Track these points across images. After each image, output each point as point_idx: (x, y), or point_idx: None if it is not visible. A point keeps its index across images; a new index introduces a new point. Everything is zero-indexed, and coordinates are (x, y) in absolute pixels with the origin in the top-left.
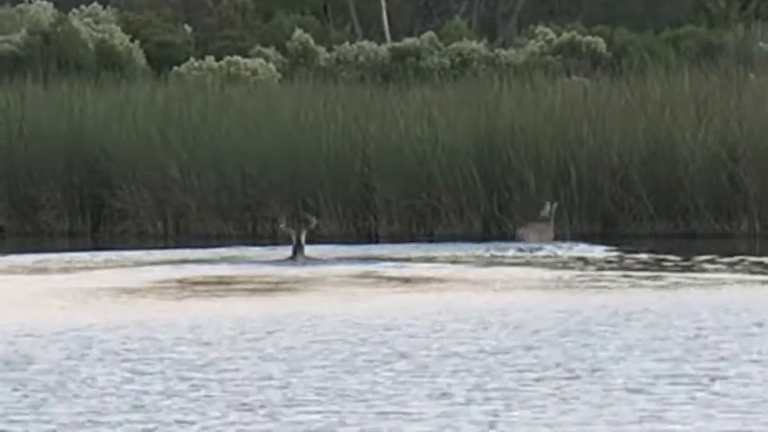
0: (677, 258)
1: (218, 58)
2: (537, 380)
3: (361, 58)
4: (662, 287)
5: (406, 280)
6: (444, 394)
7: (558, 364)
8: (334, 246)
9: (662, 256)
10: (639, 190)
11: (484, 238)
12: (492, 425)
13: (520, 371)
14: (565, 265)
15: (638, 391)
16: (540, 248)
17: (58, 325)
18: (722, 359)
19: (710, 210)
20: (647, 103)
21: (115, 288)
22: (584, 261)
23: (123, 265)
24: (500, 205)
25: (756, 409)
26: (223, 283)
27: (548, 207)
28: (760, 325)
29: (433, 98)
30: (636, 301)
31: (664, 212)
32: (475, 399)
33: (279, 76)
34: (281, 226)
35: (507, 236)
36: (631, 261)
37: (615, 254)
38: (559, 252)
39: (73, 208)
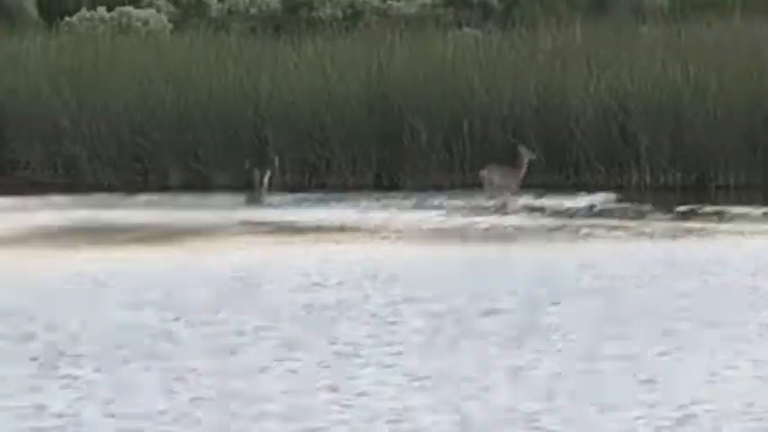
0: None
1: (109, 9)
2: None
3: (253, 10)
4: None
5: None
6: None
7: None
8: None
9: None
10: (531, 141)
11: (376, 189)
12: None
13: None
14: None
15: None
16: (500, 195)
17: None
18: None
19: (602, 162)
20: (538, 56)
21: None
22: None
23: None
24: (392, 157)
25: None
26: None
27: (523, 153)
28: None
29: (325, 49)
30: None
31: (555, 164)
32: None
33: (170, 26)
34: (247, 166)
35: (399, 187)
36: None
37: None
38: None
39: None
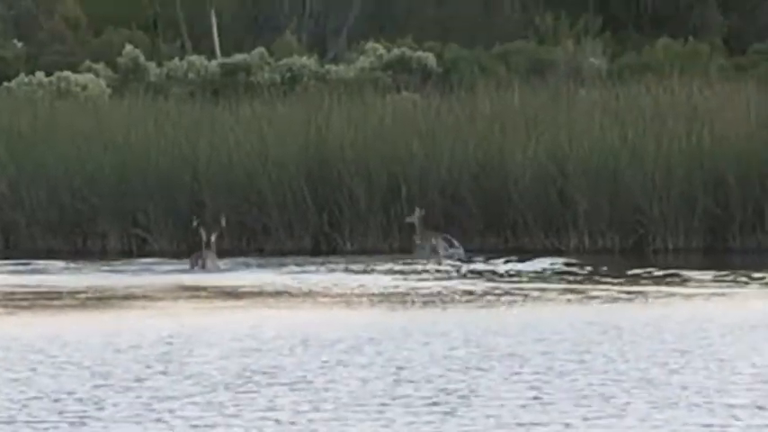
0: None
1: (48, 74)
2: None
3: (191, 74)
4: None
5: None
6: None
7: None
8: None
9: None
10: (470, 205)
11: (313, 254)
12: None
13: None
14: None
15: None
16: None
17: None
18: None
19: (540, 225)
20: (477, 119)
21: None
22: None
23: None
24: (330, 222)
25: None
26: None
27: (417, 213)
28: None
29: (263, 113)
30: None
31: (494, 228)
32: None
33: (109, 91)
34: (195, 224)
35: (337, 251)
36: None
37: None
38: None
39: None
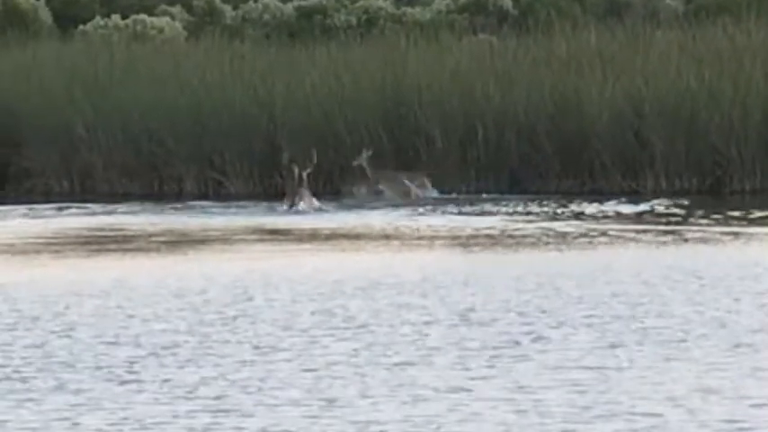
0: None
1: (123, 17)
2: None
3: (267, 17)
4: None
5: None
6: None
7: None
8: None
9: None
10: (546, 147)
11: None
12: None
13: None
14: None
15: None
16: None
17: None
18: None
19: (617, 167)
20: (553, 61)
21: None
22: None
23: None
24: (407, 163)
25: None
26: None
27: (364, 154)
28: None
29: (339, 56)
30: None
31: (570, 170)
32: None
33: (185, 34)
34: (285, 160)
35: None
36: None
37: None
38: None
39: None
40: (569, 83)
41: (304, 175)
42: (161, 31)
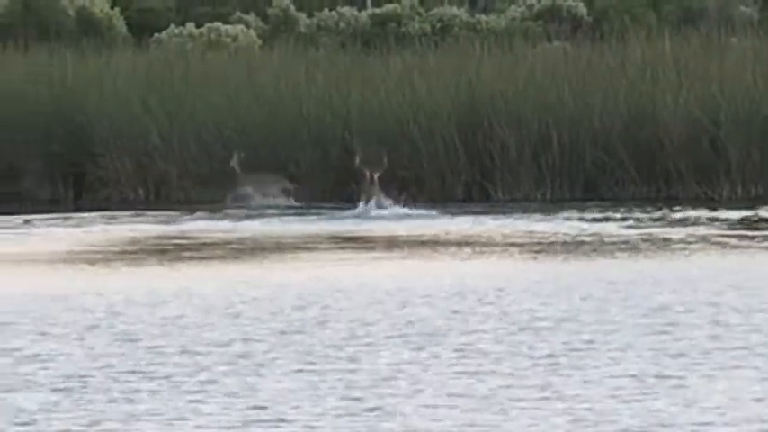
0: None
1: (198, 25)
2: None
3: (342, 25)
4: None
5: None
6: None
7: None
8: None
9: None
10: (621, 154)
11: (465, 202)
12: None
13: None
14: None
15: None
16: None
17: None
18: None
19: (692, 174)
20: (628, 68)
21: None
22: None
23: None
24: (482, 171)
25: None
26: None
27: (235, 157)
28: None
29: (413, 64)
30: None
31: (646, 177)
32: None
33: (259, 42)
34: (357, 162)
35: (489, 200)
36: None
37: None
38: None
39: (54, 176)
40: (644, 90)
41: (375, 177)
42: (235, 39)
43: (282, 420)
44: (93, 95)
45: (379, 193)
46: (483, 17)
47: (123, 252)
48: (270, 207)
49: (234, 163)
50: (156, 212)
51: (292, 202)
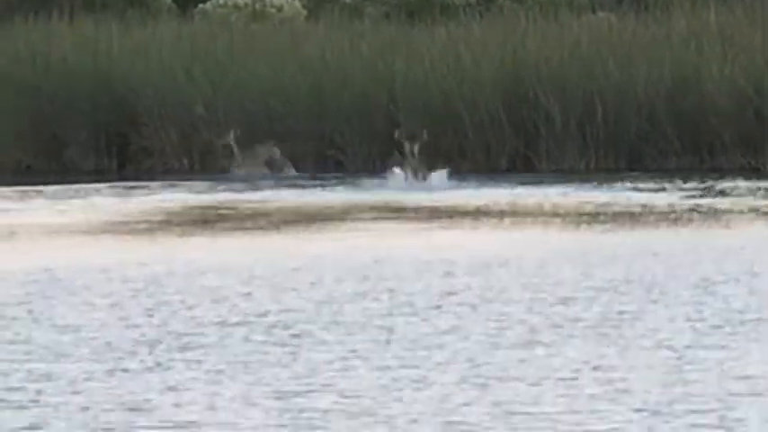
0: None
1: None
2: None
3: None
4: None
5: None
6: None
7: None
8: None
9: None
10: (665, 124)
11: (509, 173)
12: None
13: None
14: None
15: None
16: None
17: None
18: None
19: (737, 145)
20: (672, 38)
21: None
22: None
23: None
24: (526, 142)
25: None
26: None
27: (231, 134)
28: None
29: (458, 35)
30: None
31: (690, 147)
32: None
33: (304, 13)
34: (397, 135)
35: (534, 171)
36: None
37: None
38: None
39: (99, 146)
40: (688, 60)
41: (415, 149)
42: (280, 9)
43: (323, 390)
44: (137, 66)
45: (420, 165)
46: None
47: (167, 222)
48: (312, 177)
49: (229, 139)
50: (199, 182)
51: (334, 172)
